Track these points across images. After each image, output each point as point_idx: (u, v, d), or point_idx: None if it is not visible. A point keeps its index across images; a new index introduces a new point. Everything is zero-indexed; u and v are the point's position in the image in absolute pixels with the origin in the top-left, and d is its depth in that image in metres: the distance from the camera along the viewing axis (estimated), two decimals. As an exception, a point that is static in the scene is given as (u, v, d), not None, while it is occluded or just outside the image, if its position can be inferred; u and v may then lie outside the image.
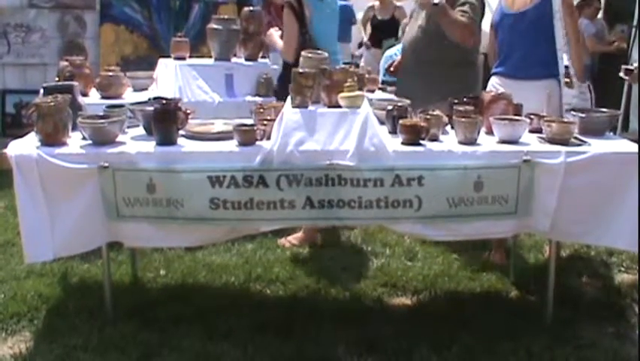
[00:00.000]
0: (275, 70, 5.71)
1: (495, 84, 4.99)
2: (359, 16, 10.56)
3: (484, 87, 5.22)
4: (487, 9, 8.29)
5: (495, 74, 5.07)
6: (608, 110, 4.32)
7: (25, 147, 3.69)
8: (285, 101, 3.90)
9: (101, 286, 4.01)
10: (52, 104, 3.73)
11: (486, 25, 5.34)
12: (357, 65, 6.60)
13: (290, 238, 5.21)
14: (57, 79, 4.99)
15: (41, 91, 4.16)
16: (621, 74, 5.58)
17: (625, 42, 9.88)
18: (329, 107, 3.80)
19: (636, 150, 3.83)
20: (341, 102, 3.76)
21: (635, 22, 9.10)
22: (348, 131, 3.65)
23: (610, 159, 3.78)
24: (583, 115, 4.16)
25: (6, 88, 7.36)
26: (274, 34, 5.49)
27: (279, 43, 5.39)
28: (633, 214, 3.73)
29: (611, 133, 4.30)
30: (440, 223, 3.77)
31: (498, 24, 5.08)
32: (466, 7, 4.83)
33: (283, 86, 5.06)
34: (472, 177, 3.67)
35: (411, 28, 5.20)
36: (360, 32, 10.53)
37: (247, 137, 3.72)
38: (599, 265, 4.97)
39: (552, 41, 4.76)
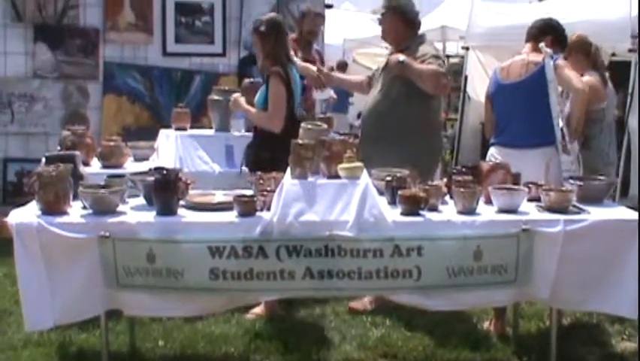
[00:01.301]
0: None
1: (494, 154, 5.04)
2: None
3: (483, 157, 5.27)
4: (481, 76, 8.46)
5: (494, 144, 5.13)
6: (605, 178, 4.36)
7: (25, 215, 3.72)
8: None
9: (99, 356, 3.99)
10: (53, 173, 3.77)
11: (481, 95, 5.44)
12: (356, 136, 6.64)
13: (253, 310, 5.12)
14: (59, 148, 5.03)
15: (43, 160, 4.21)
16: None
17: (621, 110, 9.99)
18: (328, 178, 3.83)
19: (635, 217, 3.85)
20: (340, 173, 3.79)
21: (630, 90, 9.21)
22: (347, 202, 3.68)
23: (609, 226, 3.82)
24: (581, 183, 4.20)
25: (8, 156, 7.40)
26: (239, 99, 5.33)
27: (247, 108, 5.23)
28: (634, 281, 3.74)
29: (610, 200, 4.33)
30: (440, 293, 3.78)
31: (494, 95, 5.17)
32: (430, 59, 5.03)
33: (257, 156, 5.02)
34: (472, 246, 3.69)
35: (370, 95, 5.34)
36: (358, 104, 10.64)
37: (247, 207, 3.74)
38: (601, 333, 4.93)
39: (548, 109, 4.83)
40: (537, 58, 4.97)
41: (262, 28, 5.11)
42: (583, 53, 5.74)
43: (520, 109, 4.97)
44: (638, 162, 8.77)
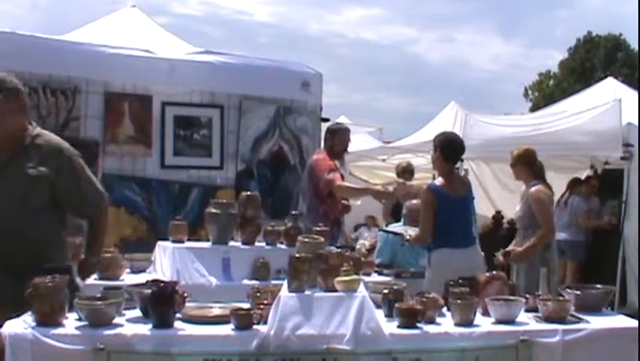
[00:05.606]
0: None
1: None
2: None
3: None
4: (476, 187, 8.72)
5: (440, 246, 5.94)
6: (603, 286, 4.39)
7: (19, 326, 3.67)
8: None
9: None
10: (49, 284, 3.75)
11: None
12: (353, 248, 6.67)
13: None
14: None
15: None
16: (500, 258, 6.46)
17: (616, 218, 10.06)
18: (325, 291, 3.83)
19: (635, 324, 3.87)
20: (337, 286, 3.80)
21: (624, 198, 9.30)
22: (344, 316, 3.66)
23: (608, 335, 3.83)
24: (578, 292, 4.21)
25: (3, 267, 7.36)
26: None
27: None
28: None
29: (609, 309, 4.34)
30: (438, 406, 3.73)
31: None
32: (83, 183, 4.63)
33: None
34: (470, 358, 3.68)
35: None
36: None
37: (244, 321, 3.72)
38: None
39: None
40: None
41: None
42: (527, 164, 6.54)
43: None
44: (638, 269, 8.80)
